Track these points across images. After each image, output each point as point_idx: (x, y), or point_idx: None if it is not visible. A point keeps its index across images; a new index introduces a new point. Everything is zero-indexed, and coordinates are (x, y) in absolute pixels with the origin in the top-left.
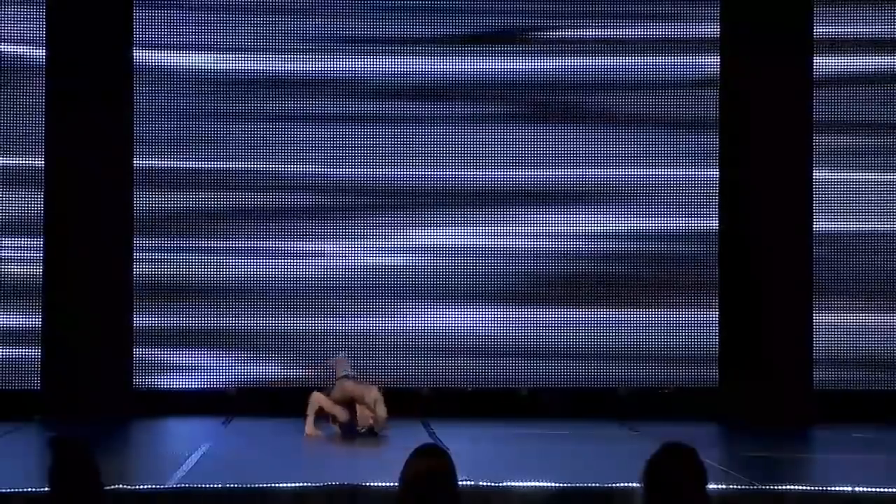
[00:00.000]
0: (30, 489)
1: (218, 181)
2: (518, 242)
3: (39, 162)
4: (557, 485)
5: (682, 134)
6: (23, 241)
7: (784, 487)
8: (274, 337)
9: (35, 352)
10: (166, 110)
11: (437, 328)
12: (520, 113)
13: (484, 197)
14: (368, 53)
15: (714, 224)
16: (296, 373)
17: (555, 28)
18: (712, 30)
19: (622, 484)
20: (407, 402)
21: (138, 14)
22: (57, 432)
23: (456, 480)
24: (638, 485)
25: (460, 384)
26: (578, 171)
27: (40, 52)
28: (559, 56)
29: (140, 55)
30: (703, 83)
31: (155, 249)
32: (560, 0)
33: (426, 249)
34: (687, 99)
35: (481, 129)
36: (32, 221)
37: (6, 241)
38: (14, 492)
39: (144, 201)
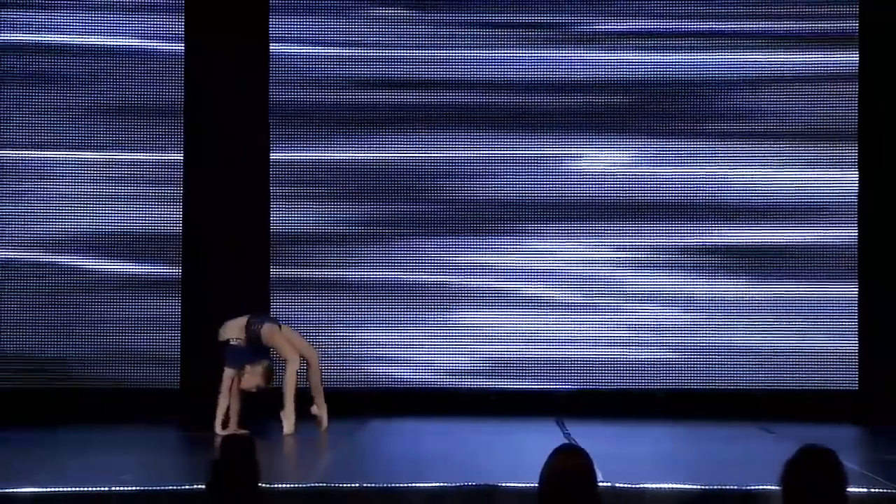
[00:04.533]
0: (173, 487)
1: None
2: (644, 245)
3: (179, 156)
4: (695, 486)
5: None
6: (162, 241)
7: None
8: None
9: (175, 349)
10: (300, 100)
11: (582, 331)
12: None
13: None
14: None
15: (853, 227)
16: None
17: (684, 22)
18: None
19: (760, 486)
20: (543, 403)
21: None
22: (195, 432)
23: (596, 480)
24: (776, 487)
25: (594, 386)
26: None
27: (179, 48)
28: (685, 52)
29: (274, 48)
30: (840, 80)
31: (294, 251)
32: None
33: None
34: (824, 98)
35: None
36: (171, 222)
37: (147, 231)
38: (162, 490)
39: (281, 210)
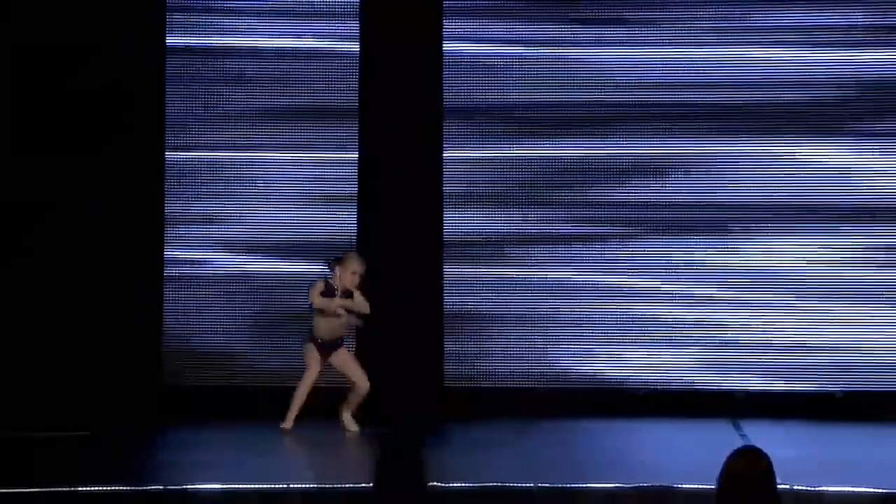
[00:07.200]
0: (348, 485)
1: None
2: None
3: (354, 155)
4: (875, 490)
5: None
6: (338, 241)
7: None
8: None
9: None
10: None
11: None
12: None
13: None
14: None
15: None
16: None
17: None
18: None
19: None
20: (717, 404)
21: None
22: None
23: (775, 482)
24: None
25: (771, 386)
26: None
27: (354, 48)
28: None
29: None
30: None
31: (466, 250)
32: None
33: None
34: None
35: None
36: (346, 222)
37: (323, 231)
38: (335, 487)
39: (454, 210)
